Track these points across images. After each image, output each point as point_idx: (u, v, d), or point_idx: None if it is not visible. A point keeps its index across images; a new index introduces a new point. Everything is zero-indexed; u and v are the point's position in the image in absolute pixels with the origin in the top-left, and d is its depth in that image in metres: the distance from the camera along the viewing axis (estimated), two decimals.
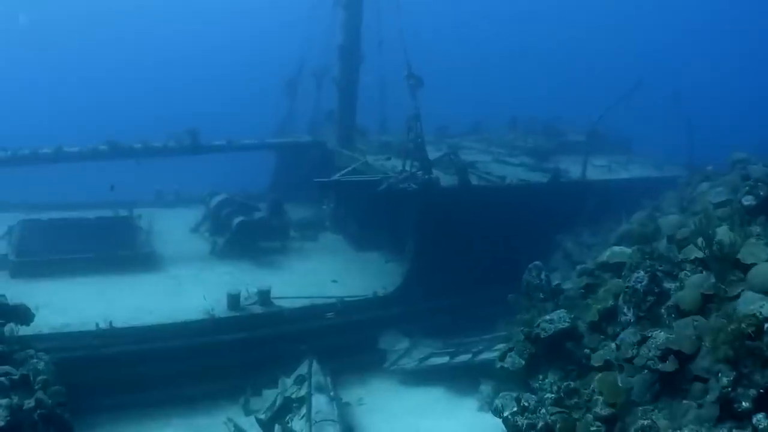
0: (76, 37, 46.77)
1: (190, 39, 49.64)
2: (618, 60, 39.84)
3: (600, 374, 8.07)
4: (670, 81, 23.79)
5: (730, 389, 6.85)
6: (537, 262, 11.20)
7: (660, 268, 8.58)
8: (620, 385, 7.62)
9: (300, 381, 11.69)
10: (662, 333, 7.39)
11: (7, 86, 41.05)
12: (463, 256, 15.02)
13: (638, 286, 8.39)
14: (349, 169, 15.96)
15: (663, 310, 8.14)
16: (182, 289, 13.91)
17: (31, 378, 8.34)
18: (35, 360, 9.14)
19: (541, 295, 10.70)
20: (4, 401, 7.85)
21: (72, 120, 33.88)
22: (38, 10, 47.21)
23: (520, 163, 18.68)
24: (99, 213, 17.59)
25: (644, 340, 7.53)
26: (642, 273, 8.41)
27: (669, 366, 7.08)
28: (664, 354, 7.19)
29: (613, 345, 8.40)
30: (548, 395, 8.61)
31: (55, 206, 18.42)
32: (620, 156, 20.95)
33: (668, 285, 8.44)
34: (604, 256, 10.77)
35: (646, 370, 7.44)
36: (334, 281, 14.74)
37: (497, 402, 10.97)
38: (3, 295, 10.39)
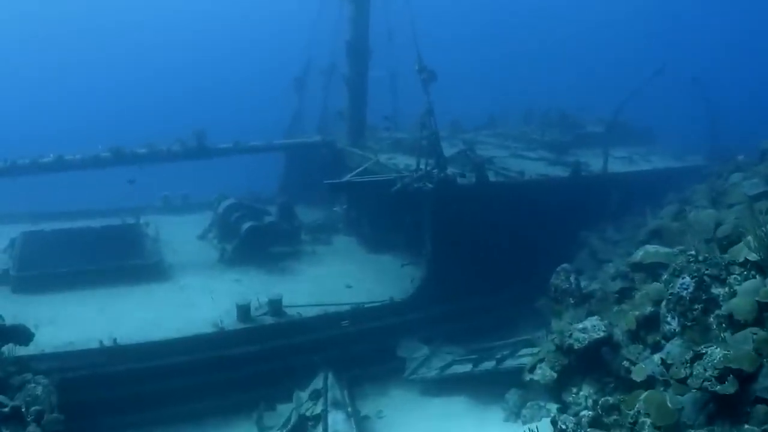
0: (80, 43, 46.52)
1: (194, 42, 49.31)
2: (637, 49, 38.84)
3: (647, 393, 7.30)
4: (690, 68, 22.84)
5: None
6: (565, 265, 10.54)
7: (707, 272, 7.81)
8: (670, 405, 6.87)
9: (315, 396, 11.11)
10: (718, 349, 6.60)
11: (9, 93, 40.87)
12: (483, 256, 14.35)
13: (683, 293, 7.63)
14: (361, 168, 15.37)
15: (712, 319, 7.40)
16: (190, 300, 13.35)
17: (24, 409, 7.77)
18: (33, 385, 8.60)
19: (571, 300, 10.02)
20: None
21: (78, 127, 33.54)
22: (41, 16, 47.03)
23: (539, 158, 17.99)
24: (105, 221, 17.12)
25: (698, 356, 6.76)
26: (688, 279, 7.66)
27: (728, 387, 6.29)
28: (722, 374, 6.42)
29: (656, 357, 7.66)
30: (585, 412, 7.93)
31: (60, 216, 17.91)
32: (639, 147, 20.21)
33: (716, 291, 7.67)
34: (638, 256, 10.05)
35: (696, 389, 6.67)
36: (349, 287, 14.16)
37: (525, 412, 10.38)
38: (0, 316, 9.85)
